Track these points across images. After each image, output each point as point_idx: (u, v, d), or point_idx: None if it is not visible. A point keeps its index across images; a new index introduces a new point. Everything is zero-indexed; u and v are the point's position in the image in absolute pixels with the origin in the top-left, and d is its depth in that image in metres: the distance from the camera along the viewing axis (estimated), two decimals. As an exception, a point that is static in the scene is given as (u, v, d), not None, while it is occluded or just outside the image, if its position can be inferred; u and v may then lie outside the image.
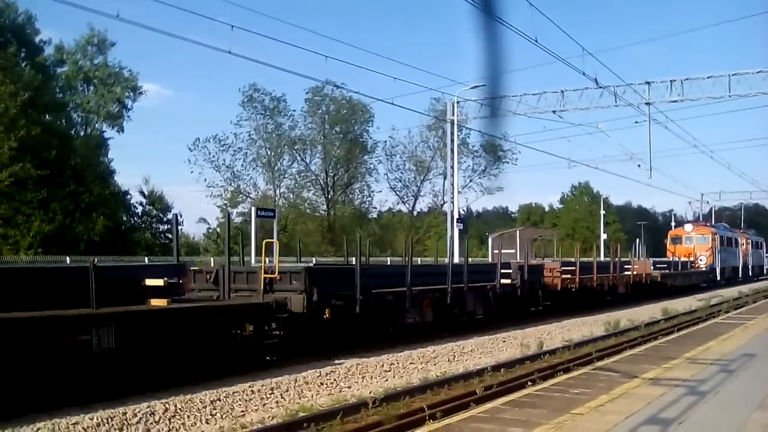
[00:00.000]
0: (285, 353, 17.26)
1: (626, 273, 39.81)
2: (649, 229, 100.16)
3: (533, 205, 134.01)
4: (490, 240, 42.39)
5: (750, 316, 26.21)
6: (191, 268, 19.46)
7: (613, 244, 45.31)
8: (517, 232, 41.66)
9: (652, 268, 45.60)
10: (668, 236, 64.66)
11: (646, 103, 38.57)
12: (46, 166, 41.18)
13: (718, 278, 59.87)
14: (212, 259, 37.54)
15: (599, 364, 15.35)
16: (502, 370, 16.77)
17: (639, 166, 43.80)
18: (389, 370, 16.88)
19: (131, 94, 57.10)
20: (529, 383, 14.01)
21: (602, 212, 74.61)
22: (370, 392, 14.15)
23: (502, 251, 35.67)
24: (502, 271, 26.70)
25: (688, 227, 64.91)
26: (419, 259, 45.18)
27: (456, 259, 36.13)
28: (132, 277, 15.40)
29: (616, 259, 38.72)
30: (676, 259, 54.73)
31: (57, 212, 41.24)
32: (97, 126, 56.37)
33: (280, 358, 16.77)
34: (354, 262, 20.07)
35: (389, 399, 13.01)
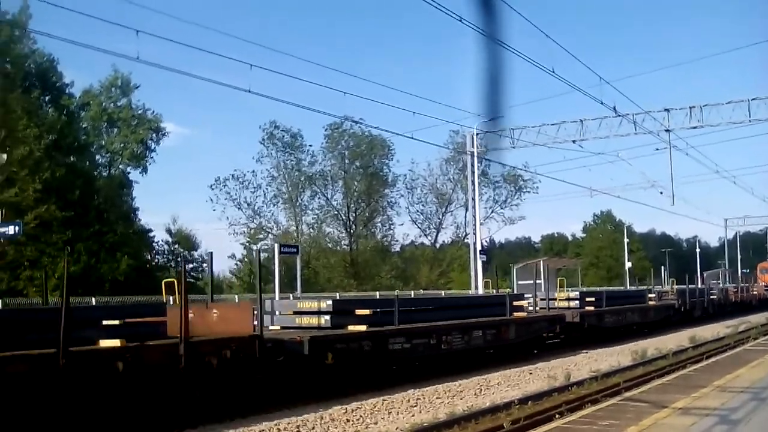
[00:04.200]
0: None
1: (754, 292, 62.02)
2: (674, 255, 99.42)
3: (556, 234, 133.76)
4: (513, 271, 42.26)
5: (780, 342, 25.89)
6: None
7: None
8: (541, 262, 41.45)
9: (765, 290, 67.20)
10: (758, 268, 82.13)
11: (666, 130, 38.47)
12: (70, 207, 41.62)
13: None
14: (236, 296, 37.64)
15: (627, 394, 15.18)
16: (530, 402, 16.60)
17: (661, 193, 43.69)
18: (415, 405, 16.77)
19: (154, 135, 57.74)
20: (557, 416, 13.86)
21: (626, 240, 74.16)
22: (397, 428, 14.06)
23: (526, 282, 35.47)
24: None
25: None
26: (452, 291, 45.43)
27: (480, 291, 36.04)
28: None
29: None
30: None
31: (82, 253, 41.55)
32: (120, 167, 56.96)
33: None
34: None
35: (416, 434, 12.92)
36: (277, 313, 20.14)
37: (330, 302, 20.29)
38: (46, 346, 11.83)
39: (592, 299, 33.11)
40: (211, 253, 26.38)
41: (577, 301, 32.08)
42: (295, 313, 20.11)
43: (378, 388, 18.15)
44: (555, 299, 31.87)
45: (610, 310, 33.85)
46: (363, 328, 19.19)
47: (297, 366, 16.78)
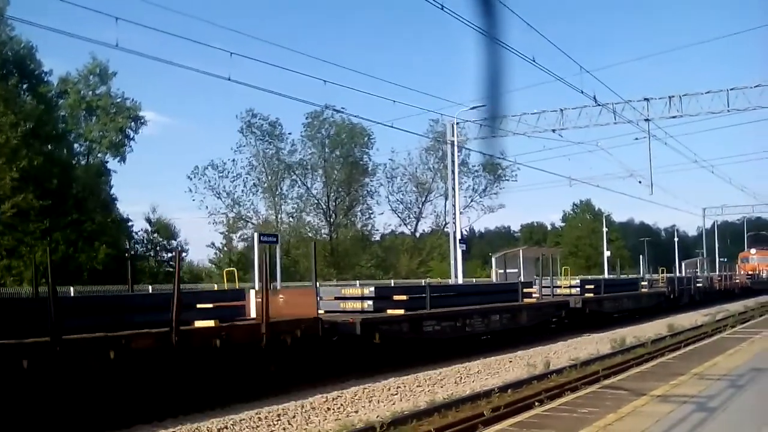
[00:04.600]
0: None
1: (736, 281, 67.93)
2: (652, 244, 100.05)
3: (535, 224, 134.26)
4: (493, 260, 42.38)
5: (756, 330, 26.13)
6: None
7: None
8: (520, 251, 41.58)
9: (746, 279, 73.33)
10: (739, 257, 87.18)
11: (645, 120, 38.66)
12: (47, 196, 41.22)
13: None
14: (215, 285, 37.48)
15: (606, 382, 15.28)
16: (510, 390, 16.69)
17: (640, 182, 43.88)
18: (396, 394, 16.83)
19: (133, 124, 57.30)
20: (537, 404, 13.93)
21: (605, 229, 74.57)
22: (378, 416, 14.09)
23: (506, 270, 35.98)
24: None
25: (753, 251, 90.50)
26: (431, 279, 45.59)
27: (460, 280, 36.15)
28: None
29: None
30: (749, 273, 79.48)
31: (60, 242, 41.22)
32: (99, 155, 56.51)
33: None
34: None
35: (397, 423, 12.94)
36: (322, 298, 21.30)
37: (372, 289, 22.65)
38: (147, 326, 14.13)
39: (592, 286, 35.72)
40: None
41: (578, 288, 34.29)
42: (338, 298, 22.09)
43: (414, 365, 20.29)
44: (559, 286, 34.43)
45: (608, 296, 36.59)
46: (401, 312, 21.53)
47: (349, 344, 19.06)
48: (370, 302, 21.34)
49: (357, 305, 21.35)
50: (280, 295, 17.76)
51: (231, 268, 25.18)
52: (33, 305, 14.76)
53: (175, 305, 13.95)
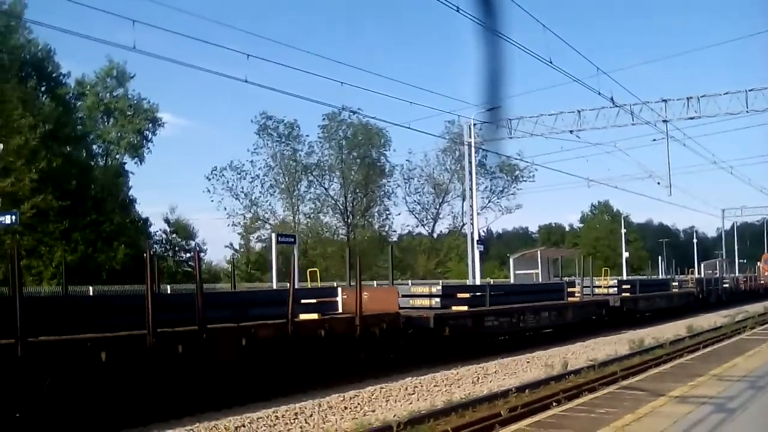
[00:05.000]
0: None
1: (761, 282, 68.99)
2: (671, 246, 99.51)
3: (553, 225, 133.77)
4: (511, 261, 42.28)
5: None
6: None
7: None
8: (538, 252, 41.49)
9: None
10: (762, 259, 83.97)
11: (664, 121, 38.38)
12: (66, 196, 41.53)
13: None
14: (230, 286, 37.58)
15: (625, 383, 15.21)
16: (527, 391, 16.63)
17: (658, 183, 43.54)
18: (413, 393, 16.81)
19: (150, 125, 57.63)
20: (554, 404, 13.90)
21: (623, 230, 74.14)
22: (395, 416, 14.07)
23: (524, 272, 36.15)
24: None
25: None
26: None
27: (478, 281, 36.14)
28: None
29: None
30: None
31: (79, 242, 41.52)
32: (117, 157, 56.88)
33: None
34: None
35: (414, 422, 12.92)
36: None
37: (440, 287, 25.49)
38: (256, 319, 16.48)
39: (628, 287, 37.91)
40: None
41: (616, 288, 36.60)
42: (406, 296, 23.78)
43: (477, 356, 22.22)
44: (599, 286, 36.38)
45: (643, 296, 38.84)
46: (465, 308, 23.67)
47: (423, 336, 21.26)
48: (438, 299, 23.50)
49: (426, 302, 23.52)
50: (365, 293, 19.41)
51: (314, 269, 27.68)
52: (182, 300, 17.88)
53: (291, 301, 16.63)
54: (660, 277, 58.90)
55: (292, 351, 16.68)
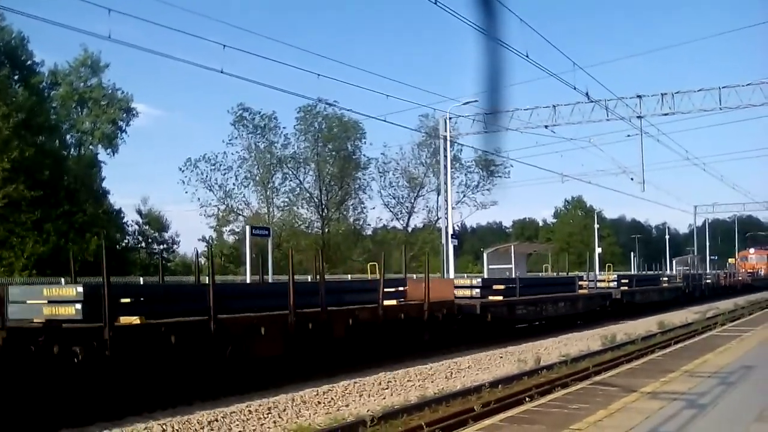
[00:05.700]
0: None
1: (739, 278, 75.37)
2: (644, 242, 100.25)
3: (527, 220, 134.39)
4: (485, 255, 42.39)
5: (746, 328, 26.22)
6: None
7: None
8: (512, 247, 41.61)
9: (747, 276, 79.58)
10: (738, 256, 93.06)
11: (638, 117, 38.52)
12: (39, 187, 41.04)
13: None
14: (206, 278, 37.40)
15: (597, 378, 15.32)
16: (500, 386, 16.73)
17: (632, 179, 43.72)
18: (386, 388, 16.83)
19: (125, 115, 57.14)
20: (527, 399, 13.97)
21: (596, 226, 74.54)
22: (368, 410, 14.09)
23: (497, 266, 36.39)
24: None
25: (752, 250, 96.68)
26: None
27: (452, 275, 36.20)
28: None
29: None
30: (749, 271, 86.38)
31: (51, 233, 41.08)
32: (91, 147, 56.34)
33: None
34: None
35: (387, 417, 12.95)
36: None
37: (480, 279, 28.76)
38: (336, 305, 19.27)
39: (627, 281, 42.31)
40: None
41: (616, 282, 40.90)
42: None
43: (512, 339, 26.21)
44: (603, 280, 41.68)
45: (639, 289, 43.08)
46: (500, 298, 27.25)
47: (470, 321, 24.78)
48: (478, 290, 26.80)
49: (467, 292, 26.63)
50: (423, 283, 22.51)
51: (373, 263, 30.02)
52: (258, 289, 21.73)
53: (381, 290, 20.30)
54: (658, 272, 63.02)
55: (382, 330, 20.20)
